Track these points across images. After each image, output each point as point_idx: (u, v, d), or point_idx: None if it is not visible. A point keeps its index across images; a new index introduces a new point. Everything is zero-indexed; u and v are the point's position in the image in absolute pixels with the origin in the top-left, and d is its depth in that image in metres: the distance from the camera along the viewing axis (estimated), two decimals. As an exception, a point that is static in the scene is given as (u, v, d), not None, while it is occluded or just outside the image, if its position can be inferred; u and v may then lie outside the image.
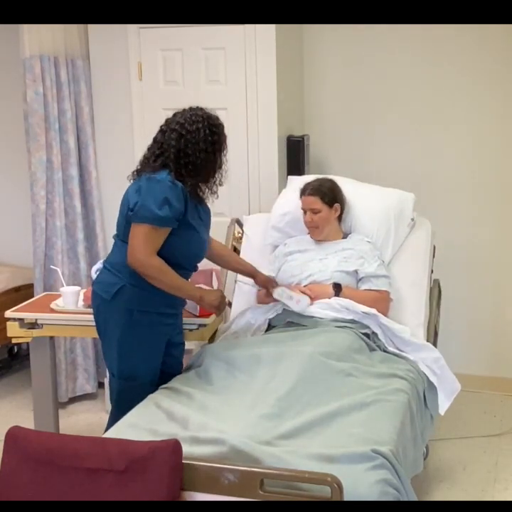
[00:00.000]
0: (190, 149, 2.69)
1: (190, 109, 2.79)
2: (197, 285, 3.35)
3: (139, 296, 2.72)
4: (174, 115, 2.79)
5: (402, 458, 2.27)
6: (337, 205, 3.29)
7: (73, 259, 4.11)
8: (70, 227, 4.08)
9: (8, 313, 3.29)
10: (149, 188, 2.64)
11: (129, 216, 2.69)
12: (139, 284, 2.69)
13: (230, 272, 3.58)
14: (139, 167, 2.81)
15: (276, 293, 3.08)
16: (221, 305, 2.88)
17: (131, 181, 2.80)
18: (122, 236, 2.76)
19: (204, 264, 3.61)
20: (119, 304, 2.73)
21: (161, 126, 2.79)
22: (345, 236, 3.38)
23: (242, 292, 3.46)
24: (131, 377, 2.77)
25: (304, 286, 3.20)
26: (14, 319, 3.25)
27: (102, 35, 4.01)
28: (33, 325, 3.24)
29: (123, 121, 4.08)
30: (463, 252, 4.13)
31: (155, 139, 2.77)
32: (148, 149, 2.79)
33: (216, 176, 2.81)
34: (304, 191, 3.30)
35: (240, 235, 3.66)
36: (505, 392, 4.15)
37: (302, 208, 3.31)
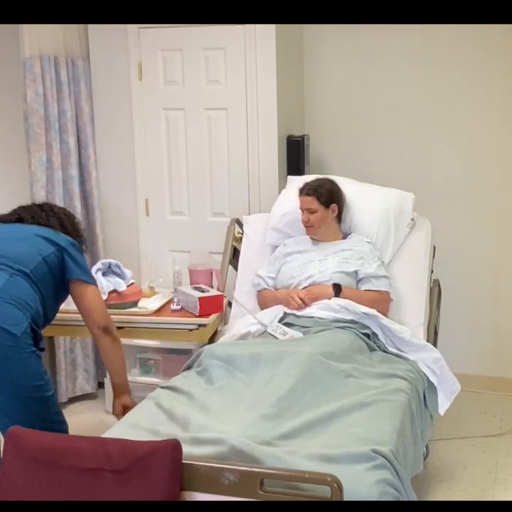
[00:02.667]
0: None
1: None
2: (197, 285, 3.37)
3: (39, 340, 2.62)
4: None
5: (402, 458, 2.27)
6: (334, 206, 3.30)
7: (73, 259, 4.10)
8: (70, 227, 4.08)
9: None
10: (76, 248, 2.79)
11: (54, 265, 2.70)
12: (38, 323, 2.63)
13: (230, 272, 3.58)
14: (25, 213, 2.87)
15: (271, 328, 3.07)
16: (124, 413, 2.76)
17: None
18: (34, 275, 2.63)
19: (203, 264, 3.62)
20: (26, 341, 2.53)
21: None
22: (345, 236, 3.38)
23: (242, 292, 3.46)
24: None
25: (304, 287, 3.20)
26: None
27: (102, 35, 4.01)
28: (33, 325, 3.23)
29: (123, 121, 4.08)
30: (463, 252, 4.13)
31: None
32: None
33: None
34: (302, 191, 3.32)
35: (239, 235, 3.66)
36: (505, 392, 4.15)
37: (300, 208, 3.32)
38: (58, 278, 2.73)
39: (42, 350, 2.62)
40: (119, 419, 2.74)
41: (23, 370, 2.47)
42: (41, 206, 2.93)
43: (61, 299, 2.84)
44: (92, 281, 2.80)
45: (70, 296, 2.82)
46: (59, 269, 2.72)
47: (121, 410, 2.82)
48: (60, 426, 2.61)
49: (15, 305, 2.52)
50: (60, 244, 2.73)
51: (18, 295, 2.55)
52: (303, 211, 3.31)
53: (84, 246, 2.98)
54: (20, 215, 2.85)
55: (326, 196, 3.28)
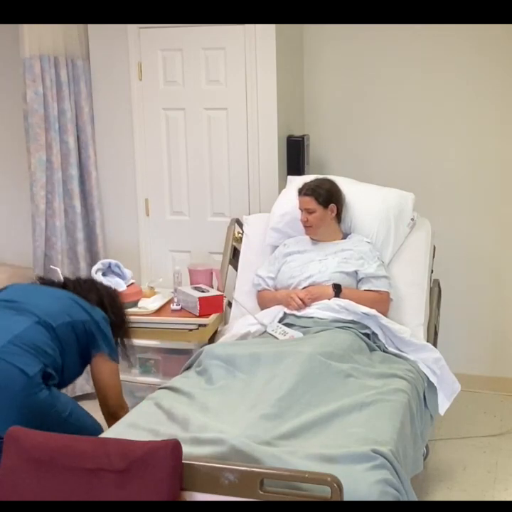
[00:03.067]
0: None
1: None
2: (197, 285, 3.37)
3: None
4: None
5: (402, 458, 2.27)
6: (332, 206, 3.30)
7: (73, 259, 4.11)
8: (70, 227, 4.08)
9: (8, 313, 3.29)
10: (107, 324, 2.76)
11: (82, 338, 2.68)
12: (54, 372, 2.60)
13: (230, 272, 3.58)
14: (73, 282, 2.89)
15: (271, 328, 3.07)
16: None
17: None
18: (59, 331, 2.60)
19: (203, 264, 3.63)
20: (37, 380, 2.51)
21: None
22: (344, 236, 3.38)
23: (242, 292, 3.46)
24: None
25: (304, 287, 3.20)
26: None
27: (102, 35, 4.01)
28: (33, 325, 3.23)
29: (123, 121, 4.08)
30: (463, 252, 4.12)
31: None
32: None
33: None
34: (301, 191, 3.32)
35: (239, 235, 3.66)
36: (505, 392, 4.15)
37: (299, 208, 3.32)
38: (84, 346, 2.70)
39: (56, 385, 2.59)
40: None
41: (32, 401, 2.44)
42: (86, 281, 2.94)
43: (86, 364, 2.79)
44: (117, 360, 2.78)
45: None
46: (86, 338, 2.70)
47: None
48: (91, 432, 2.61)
49: (30, 351, 2.48)
50: (93, 316, 2.71)
51: (36, 343, 2.51)
52: (302, 211, 3.32)
53: (125, 329, 2.92)
54: (65, 283, 2.87)
55: (325, 196, 3.29)
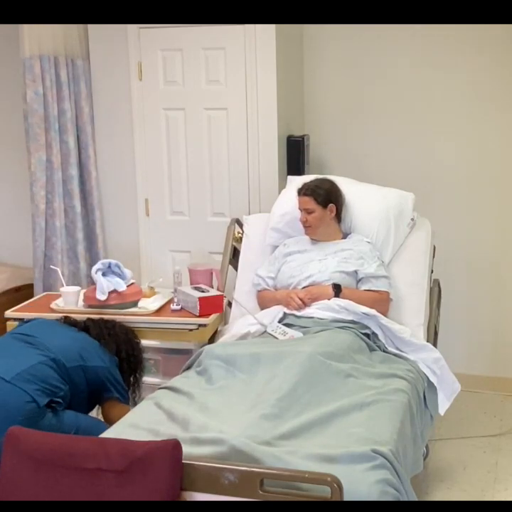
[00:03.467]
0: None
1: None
2: (197, 285, 3.37)
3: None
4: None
5: (402, 458, 2.27)
6: (331, 206, 3.30)
7: (73, 259, 4.11)
8: (70, 227, 4.08)
9: (8, 313, 3.30)
10: (117, 367, 2.84)
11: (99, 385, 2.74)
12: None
13: (230, 272, 3.58)
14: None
15: (271, 328, 3.07)
16: None
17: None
18: (69, 372, 2.64)
19: (203, 264, 3.62)
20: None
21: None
22: (344, 236, 3.38)
23: (242, 292, 3.46)
24: None
25: (304, 287, 3.20)
26: (14, 319, 3.25)
27: (102, 35, 4.01)
28: (33, 325, 3.24)
29: (123, 121, 4.08)
30: (463, 252, 4.12)
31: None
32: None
33: None
34: (300, 191, 3.33)
35: (239, 235, 3.66)
36: (505, 392, 4.15)
37: (298, 208, 3.32)
38: (94, 389, 2.74)
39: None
40: None
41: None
42: (106, 325, 2.96)
43: (95, 404, 2.84)
44: (127, 402, 2.84)
45: None
46: (96, 384, 2.74)
47: None
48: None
49: (39, 384, 2.51)
50: (106, 364, 2.77)
51: (47, 378, 2.55)
52: (301, 211, 3.32)
53: (139, 373, 2.99)
54: (87, 325, 2.91)
55: (324, 196, 3.29)
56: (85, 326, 2.90)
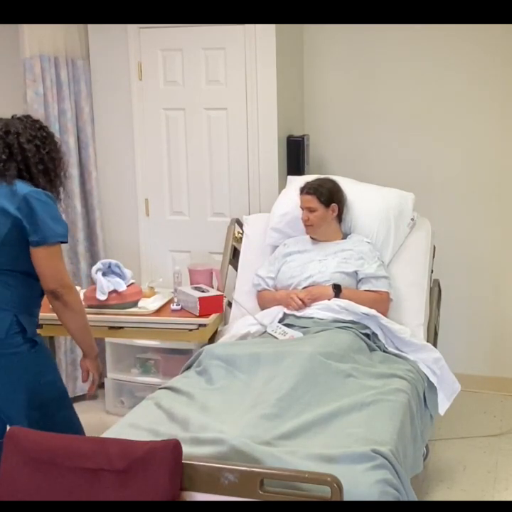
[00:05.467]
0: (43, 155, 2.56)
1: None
2: (197, 285, 3.37)
3: (30, 323, 2.55)
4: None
5: (402, 458, 2.27)
6: (334, 206, 3.30)
7: (73, 259, 4.11)
8: (70, 227, 4.07)
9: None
10: (39, 204, 2.45)
11: (10, 241, 2.44)
12: (27, 310, 2.55)
13: (230, 272, 3.58)
14: None
15: (271, 328, 3.07)
16: (98, 376, 2.76)
17: None
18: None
19: (203, 264, 3.62)
20: (16, 338, 2.50)
21: None
22: (344, 237, 3.38)
23: (242, 292, 3.46)
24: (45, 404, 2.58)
25: (304, 287, 3.20)
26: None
27: (102, 35, 4.01)
28: (33, 325, 3.23)
29: (123, 121, 4.08)
30: (463, 252, 4.12)
31: None
32: None
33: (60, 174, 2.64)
34: (303, 190, 3.33)
35: (239, 235, 3.66)
36: (505, 392, 4.15)
37: (300, 206, 3.33)
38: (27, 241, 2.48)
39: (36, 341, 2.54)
40: (83, 380, 2.75)
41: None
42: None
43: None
44: (43, 241, 2.45)
45: None
46: (24, 235, 2.45)
47: (86, 371, 2.72)
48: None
49: None
50: (11, 211, 2.43)
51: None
52: (303, 210, 3.32)
53: (59, 190, 2.61)
54: None
55: (327, 196, 3.29)
56: None
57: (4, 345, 2.47)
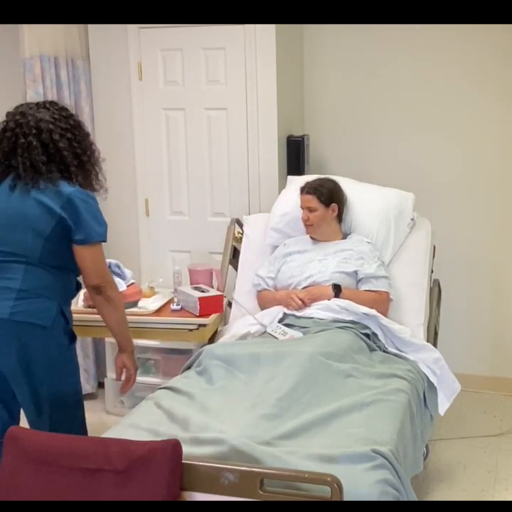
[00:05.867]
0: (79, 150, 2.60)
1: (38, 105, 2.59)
2: (197, 285, 3.37)
3: (70, 314, 2.67)
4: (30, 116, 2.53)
5: (402, 458, 2.27)
6: (334, 206, 3.30)
7: (73, 259, 4.11)
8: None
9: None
10: (82, 204, 2.51)
11: (54, 238, 2.51)
12: (67, 302, 2.67)
13: (230, 272, 3.58)
14: (24, 174, 2.50)
15: (271, 328, 3.07)
16: (135, 372, 2.81)
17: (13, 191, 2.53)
18: (39, 260, 2.52)
19: (203, 264, 3.62)
20: (59, 328, 2.59)
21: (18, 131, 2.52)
22: (344, 236, 3.38)
23: (242, 292, 3.46)
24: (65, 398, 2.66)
25: (304, 287, 3.20)
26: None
27: (102, 35, 4.01)
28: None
29: (123, 122, 4.08)
30: (463, 252, 4.12)
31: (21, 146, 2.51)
32: (27, 156, 2.51)
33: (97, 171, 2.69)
34: (303, 190, 3.33)
35: (239, 235, 3.66)
36: (505, 392, 4.15)
37: (300, 206, 3.33)
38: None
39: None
40: (117, 378, 2.81)
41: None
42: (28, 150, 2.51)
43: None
44: (87, 240, 2.53)
45: None
46: (67, 232, 2.53)
47: (120, 367, 2.78)
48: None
49: (44, 295, 2.53)
50: (57, 210, 2.49)
51: (40, 284, 2.53)
52: (303, 210, 3.32)
53: (97, 182, 2.66)
54: (11, 165, 2.53)
55: (327, 195, 3.29)
56: (13, 171, 2.54)
57: (49, 336, 2.54)
